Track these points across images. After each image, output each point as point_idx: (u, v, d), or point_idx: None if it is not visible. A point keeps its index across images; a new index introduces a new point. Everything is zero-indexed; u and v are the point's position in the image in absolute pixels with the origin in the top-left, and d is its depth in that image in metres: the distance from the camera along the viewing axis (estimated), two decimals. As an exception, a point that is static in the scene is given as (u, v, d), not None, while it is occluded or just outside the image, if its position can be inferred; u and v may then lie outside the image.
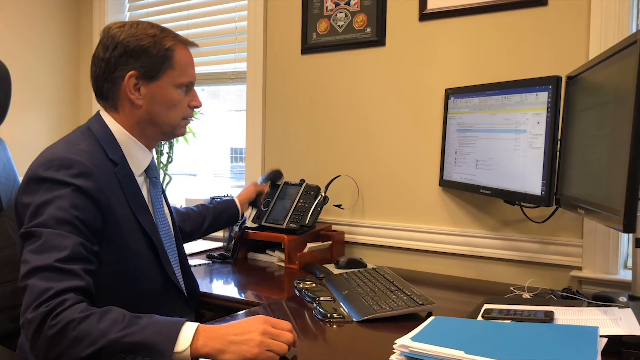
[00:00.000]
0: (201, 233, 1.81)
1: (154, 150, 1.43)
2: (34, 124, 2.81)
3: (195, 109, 1.39)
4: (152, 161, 1.36)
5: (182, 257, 1.44)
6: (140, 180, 1.31)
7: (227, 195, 2.11)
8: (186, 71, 1.32)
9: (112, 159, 1.24)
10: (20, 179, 1.59)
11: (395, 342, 0.99)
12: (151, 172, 1.35)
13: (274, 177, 2.08)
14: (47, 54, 2.86)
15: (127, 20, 2.91)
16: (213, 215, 1.82)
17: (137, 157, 1.31)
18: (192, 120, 1.42)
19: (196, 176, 2.76)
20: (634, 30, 1.61)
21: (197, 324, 1.01)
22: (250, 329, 1.00)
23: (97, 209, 1.14)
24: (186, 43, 1.33)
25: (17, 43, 2.72)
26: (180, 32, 1.36)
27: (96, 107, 2.91)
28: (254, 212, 2.07)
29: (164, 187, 1.56)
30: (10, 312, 1.42)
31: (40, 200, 1.10)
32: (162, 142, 2.32)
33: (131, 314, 1.01)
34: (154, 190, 1.35)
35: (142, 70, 1.25)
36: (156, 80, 1.27)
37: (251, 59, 2.35)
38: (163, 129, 1.33)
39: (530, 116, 1.53)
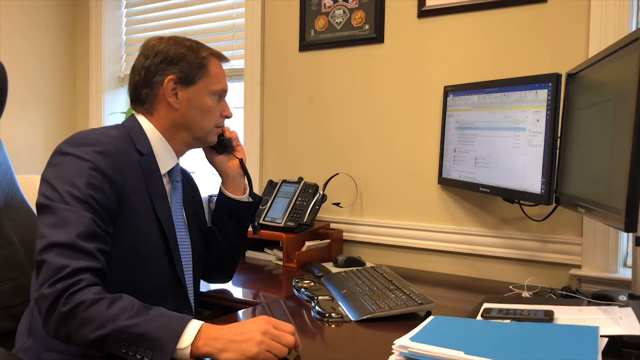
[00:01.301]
0: (235, 249, 1.56)
1: None
2: (30, 123, 2.80)
3: (226, 119, 1.44)
4: (177, 167, 1.39)
5: (196, 261, 1.42)
6: (164, 180, 1.33)
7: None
8: (220, 80, 1.38)
9: (138, 149, 1.28)
10: (17, 178, 1.59)
11: (394, 342, 0.98)
12: (174, 175, 1.37)
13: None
14: (44, 53, 2.84)
15: (123, 17, 2.91)
16: (222, 236, 1.54)
17: (164, 156, 1.34)
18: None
19: (194, 173, 2.75)
20: (634, 27, 1.60)
21: (201, 322, 1.02)
22: (251, 328, 1.00)
23: (112, 188, 1.16)
24: (219, 56, 1.40)
25: (13, 42, 2.70)
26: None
27: (93, 106, 2.93)
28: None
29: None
30: (7, 311, 1.41)
31: (58, 172, 1.14)
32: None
33: (141, 304, 1.03)
34: (174, 193, 1.37)
35: (180, 75, 1.32)
36: (193, 85, 1.34)
37: (249, 56, 2.34)
38: (196, 133, 1.37)
39: (530, 114, 1.52)
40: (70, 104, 2.98)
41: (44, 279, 1.02)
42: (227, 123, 1.47)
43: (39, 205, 1.12)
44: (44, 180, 1.16)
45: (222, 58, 1.42)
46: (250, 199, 1.54)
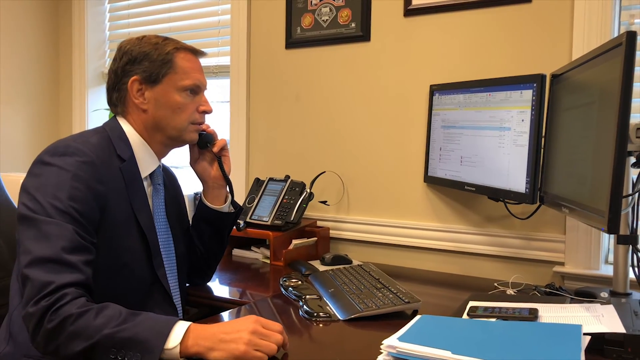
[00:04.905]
0: (212, 255, 1.57)
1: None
2: (13, 120, 2.75)
3: (205, 114, 1.39)
4: (159, 169, 1.37)
5: (181, 261, 1.42)
6: (145, 183, 1.32)
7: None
8: (189, 74, 1.33)
9: (119, 155, 1.26)
10: (0, 175, 1.57)
11: (383, 342, 1.00)
12: (156, 178, 1.36)
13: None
14: (25, 49, 2.79)
15: (107, 12, 2.88)
16: (199, 241, 1.54)
17: (145, 159, 1.33)
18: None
19: (182, 169, 2.74)
20: (617, 29, 1.63)
21: (189, 323, 1.02)
22: (240, 327, 1.01)
23: (94, 199, 1.16)
24: (190, 50, 1.36)
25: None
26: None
27: (77, 102, 2.89)
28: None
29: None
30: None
31: (40, 183, 1.13)
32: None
33: (128, 311, 1.03)
34: (156, 196, 1.36)
35: (143, 74, 1.29)
36: (159, 84, 1.30)
37: (235, 53, 2.33)
38: (169, 133, 1.34)
39: (515, 114, 1.54)
40: (53, 100, 2.94)
41: (29, 297, 1.02)
42: (212, 121, 1.42)
43: (20, 216, 1.11)
44: (25, 190, 1.14)
45: (194, 51, 1.37)
46: (232, 208, 1.53)
